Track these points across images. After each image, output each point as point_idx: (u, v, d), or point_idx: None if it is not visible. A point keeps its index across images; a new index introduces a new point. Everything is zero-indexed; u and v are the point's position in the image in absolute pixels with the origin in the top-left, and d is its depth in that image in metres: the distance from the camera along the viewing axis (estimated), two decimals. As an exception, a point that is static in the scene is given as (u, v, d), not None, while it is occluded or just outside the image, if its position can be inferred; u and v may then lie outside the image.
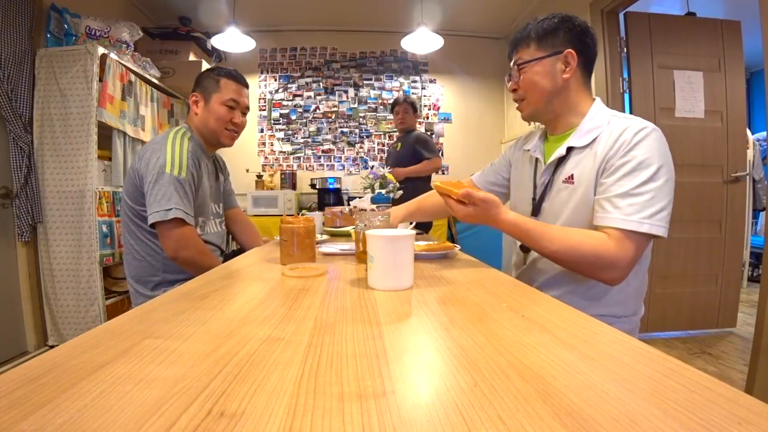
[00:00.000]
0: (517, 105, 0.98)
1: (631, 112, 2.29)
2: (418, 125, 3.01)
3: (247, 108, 1.39)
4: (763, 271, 1.53)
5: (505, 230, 0.86)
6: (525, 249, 1.02)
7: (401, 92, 3.77)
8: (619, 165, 0.79)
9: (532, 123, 1.08)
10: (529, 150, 1.02)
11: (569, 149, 0.90)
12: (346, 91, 3.77)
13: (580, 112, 0.91)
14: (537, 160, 0.99)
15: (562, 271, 0.90)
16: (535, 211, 0.98)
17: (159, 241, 1.19)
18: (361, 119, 3.78)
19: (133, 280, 1.27)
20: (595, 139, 0.86)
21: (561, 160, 0.92)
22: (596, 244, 0.77)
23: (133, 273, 1.27)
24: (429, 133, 3.76)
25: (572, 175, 0.88)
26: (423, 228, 2.42)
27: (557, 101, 0.91)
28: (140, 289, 1.26)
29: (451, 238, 3.25)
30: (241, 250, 1.54)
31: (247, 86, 1.38)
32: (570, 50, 0.87)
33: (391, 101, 3.58)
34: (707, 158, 2.32)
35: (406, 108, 2.75)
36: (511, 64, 0.95)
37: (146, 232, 1.23)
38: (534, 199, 0.98)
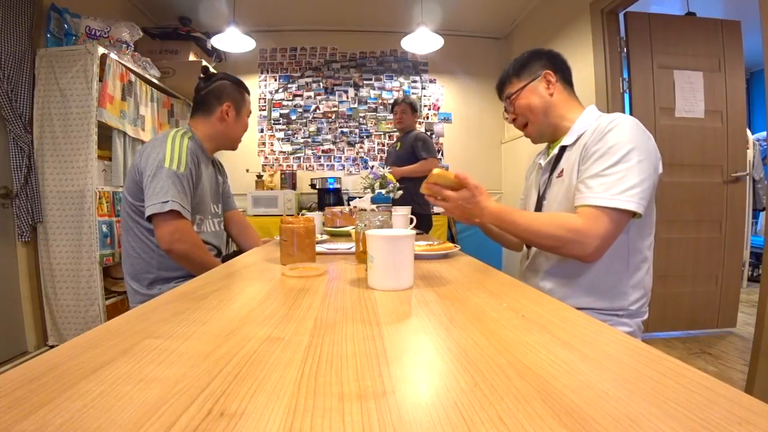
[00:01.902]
0: (524, 133, 1.08)
1: (631, 112, 2.29)
2: (417, 125, 3.00)
3: None
4: (763, 271, 1.53)
5: (488, 219, 0.91)
6: (529, 245, 1.08)
7: (401, 92, 3.77)
8: (594, 151, 0.86)
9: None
10: (537, 160, 1.13)
11: (562, 148, 0.99)
12: (346, 91, 3.77)
13: (571, 118, 1.00)
14: (540, 165, 1.09)
15: (562, 261, 0.94)
16: (538, 207, 1.05)
17: (155, 236, 1.20)
18: (361, 119, 3.77)
19: (130, 277, 1.28)
20: (581, 135, 0.94)
21: (557, 160, 0.99)
22: (564, 221, 0.84)
23: (130, 270, 1.28)
24: (429, 133, 3.75)
25: (562, 170, 0.97)
26: (423, 228, 2.42)
27: (550, 114, 1.01)
28: (136, 286, 1.27)
29: (451, 238, 3.25)
30: (239, 252, 1.54)
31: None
32: (547, 71, 0.99)
33: (391, 101, 3.58)
34: (707, 158, 2.32)
35: (405, 108, 2.75)
36: (503, 100, 1.08)
37: (143, 229, 1.24)
38: (539, 197, 1.06)
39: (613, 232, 0.81)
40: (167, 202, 1.13)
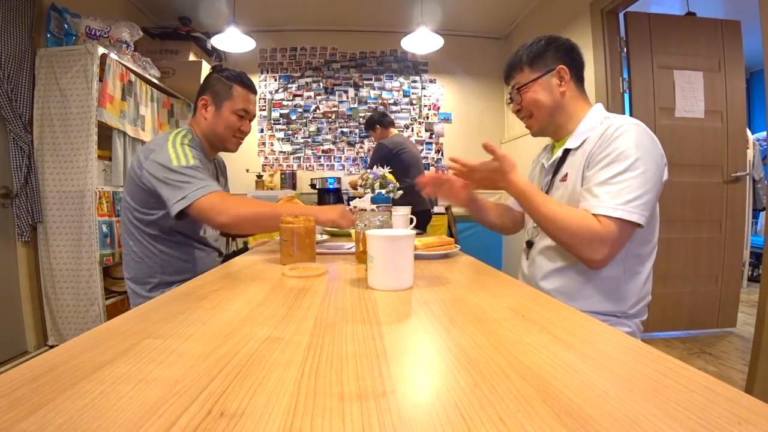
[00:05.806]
0: (525, 123, 1.05)
1: (631, 112, 2.29)
2: (394, 130, 2.93)
3: (255, 115, 1.37)
4: (763, 271, 1.53)
5: (512, 193, 0.93)
6: (529, 245, 1.08)
7: (398, 93, 3.77)
8: (601, 158, 0.85)
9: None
10: (539, 160, 1.12)
11: (566, 151, 0.97)
12: (346, 91, 3.77)
13: (577, 119, 0.97)
14: (543, 165, 1.08)
15: (563, 262, 0.93)
16: None
17: (204, 222, 1.15)
18: (361, 119, 3.77)
19: (132, 281, 1.26)
20: (586, 139, 0.92)
21: (560, 163, 0.98)
22: (587, 222, 0.82)
23: (132, 274, 1.26)
24: (429, 133, 3.79)
25: (566, 174, 0.95)
26: (423, 228, 2.42)
27: (558, 113, 0.98)
28: (138, 290, 1.25)
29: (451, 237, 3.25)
30: (240, 252, 1.54)
31: (255, 93, 1.36)
32: (562, 66, 0.95)
33: (391, 101, 3.58)
34: (707, 158, 2.32)
35: (371, 127, 2.83)
36: (510, 87, 1.04)
37: (145, 234, 1.22)
38: None
39: (619, 241, 0.81)
40: (187, 195, 1.07)
